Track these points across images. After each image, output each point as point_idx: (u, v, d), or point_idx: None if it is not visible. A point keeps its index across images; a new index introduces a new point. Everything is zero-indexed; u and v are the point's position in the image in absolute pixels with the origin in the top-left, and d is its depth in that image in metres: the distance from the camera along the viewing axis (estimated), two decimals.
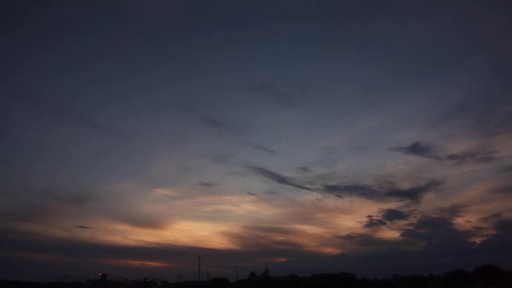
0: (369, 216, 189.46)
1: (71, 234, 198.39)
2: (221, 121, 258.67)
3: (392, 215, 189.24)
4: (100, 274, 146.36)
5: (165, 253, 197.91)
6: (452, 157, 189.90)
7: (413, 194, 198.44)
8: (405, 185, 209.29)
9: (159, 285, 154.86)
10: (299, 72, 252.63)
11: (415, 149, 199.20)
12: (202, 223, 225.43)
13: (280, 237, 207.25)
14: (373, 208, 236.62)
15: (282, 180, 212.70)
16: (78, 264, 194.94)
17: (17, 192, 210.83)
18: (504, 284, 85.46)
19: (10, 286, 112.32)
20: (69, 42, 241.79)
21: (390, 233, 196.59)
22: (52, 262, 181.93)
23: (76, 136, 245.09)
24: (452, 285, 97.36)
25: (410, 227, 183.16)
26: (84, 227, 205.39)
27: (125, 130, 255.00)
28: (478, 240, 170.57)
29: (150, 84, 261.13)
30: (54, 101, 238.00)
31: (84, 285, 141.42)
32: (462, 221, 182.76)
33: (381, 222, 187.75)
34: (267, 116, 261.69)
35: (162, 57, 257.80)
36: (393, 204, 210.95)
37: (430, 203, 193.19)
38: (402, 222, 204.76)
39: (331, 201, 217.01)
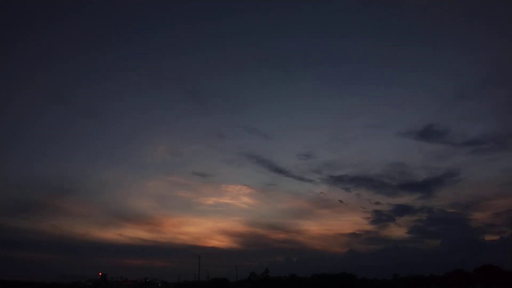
0: (376, 211, 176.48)
1: (64, 231, 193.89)
2: (210, 97, 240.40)
3: (401, 211, 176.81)
4: (100, 274, 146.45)
5: (164, 252, 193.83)
6: (470, 142, 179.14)
7: (425, 186, 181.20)
8: (418, 176, 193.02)
9: (159, 285, 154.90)
10: (299, 39, 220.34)
11: (428, 133, 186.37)
12: (199, 219, 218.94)
13: (282, 235, 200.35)
14: (381, 203, 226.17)
15: (281, 171, 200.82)
16: (78, 264, 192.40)
17: None
18: (504, 284, 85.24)
19: (10, 286, 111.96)
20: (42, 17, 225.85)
21: (398, 231, 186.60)
22: (49, 261, 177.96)
23: (56, 120, 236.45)
24: (452, 285, 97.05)
25: (420, 224, 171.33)
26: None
27: (105, 112, 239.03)
28: (488, 238, 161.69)
29: (130, 59, 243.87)
30: (27, 79, 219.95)
31: (84, 285, 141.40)
32: (476, 217, 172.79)
33: (389, 218, 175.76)
34: (262, 91, 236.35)
35: (144, 27, 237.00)
36: (403, 199, 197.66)
37: (444, 196, 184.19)
38: (411, 218, 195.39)
39: (336, 194, 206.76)
